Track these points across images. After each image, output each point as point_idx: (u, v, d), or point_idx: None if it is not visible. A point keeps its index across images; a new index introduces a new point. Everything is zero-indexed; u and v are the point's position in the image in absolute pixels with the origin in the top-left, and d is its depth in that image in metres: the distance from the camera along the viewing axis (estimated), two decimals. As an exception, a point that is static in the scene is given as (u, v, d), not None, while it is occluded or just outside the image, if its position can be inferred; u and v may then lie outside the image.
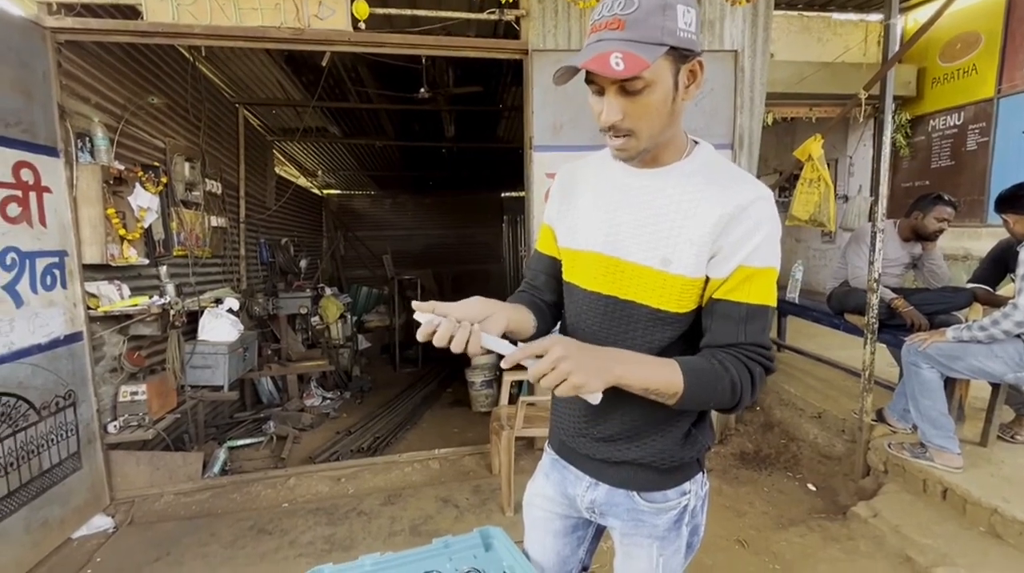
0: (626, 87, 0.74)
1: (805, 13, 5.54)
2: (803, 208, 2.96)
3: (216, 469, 3.01)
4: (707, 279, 0.82)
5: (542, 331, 1.01)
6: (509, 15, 2.84)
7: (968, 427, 2.60)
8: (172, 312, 2.97)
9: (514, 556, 1.04)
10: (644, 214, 0.85)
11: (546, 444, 1.11)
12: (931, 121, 5.50)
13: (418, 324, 0.79)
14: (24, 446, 2.16)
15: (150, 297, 2.89)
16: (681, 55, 0.75)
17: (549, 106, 2.86)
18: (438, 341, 0.76)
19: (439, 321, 0.77)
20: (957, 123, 5.23)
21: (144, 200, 2.90)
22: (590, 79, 0.77)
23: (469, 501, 2.68)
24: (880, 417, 2.71)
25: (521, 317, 0.95)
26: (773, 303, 0.81)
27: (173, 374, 3.08)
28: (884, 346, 2.83)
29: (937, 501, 2.21)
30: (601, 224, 0.89)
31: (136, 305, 2.74)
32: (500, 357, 0.78)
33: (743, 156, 3.07)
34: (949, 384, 2.37)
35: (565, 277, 0.97)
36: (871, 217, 2.51)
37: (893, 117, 3.50)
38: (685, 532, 0.95)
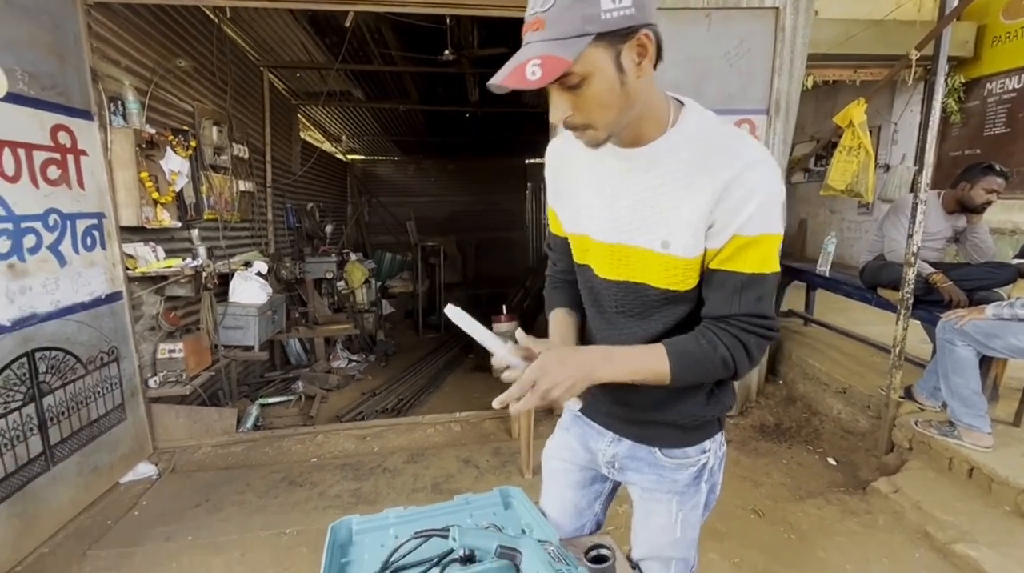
0: (564, 83, 0.70)
1: (856, -34, 5.14)
2: (840, 177, 2.83)
3: (249, 424, 3.16)
4: (705, 251, 0.80)
5: (582, 310, 1.04)
6: (537, -29, 2.72)
7: (1002, 406, 2.53)
8: (204, 274, 3.06)
9: (532, 515, 1.07)
10: (639, 196, 0.82)
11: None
12: (987, 84, 5.12)
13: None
14: (73, 397, 2.31)
15: (183, 259, 2.98)
16: (617, 37, 0.68)
17: (577, 68, 2.76)
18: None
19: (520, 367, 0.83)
20: (1016, 87, 4.85)
21: (175, 164, 2.96)
22: None
23: (489, 462, 2.76)
24: (908, 394, 2.65)
25: (575, 329, 1.01)
26: (772, 270, 0.79)
27: (207, 333, 3.21)
28: (918, 322, 2.74)
29: (962, 480, 2.18)
30: (602, 212, 0.88)
31: (171, 266, 2.84)
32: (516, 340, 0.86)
33: (779, 122, 2.93)
34: (985, 363, 2.30)
35: (576, 259, 0.97)
36: (913, 187, 2.38)
37: (946, 80, 3.27)
38: (704, 489, 0.98)
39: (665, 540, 0.99)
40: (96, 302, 2.45)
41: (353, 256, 6.21)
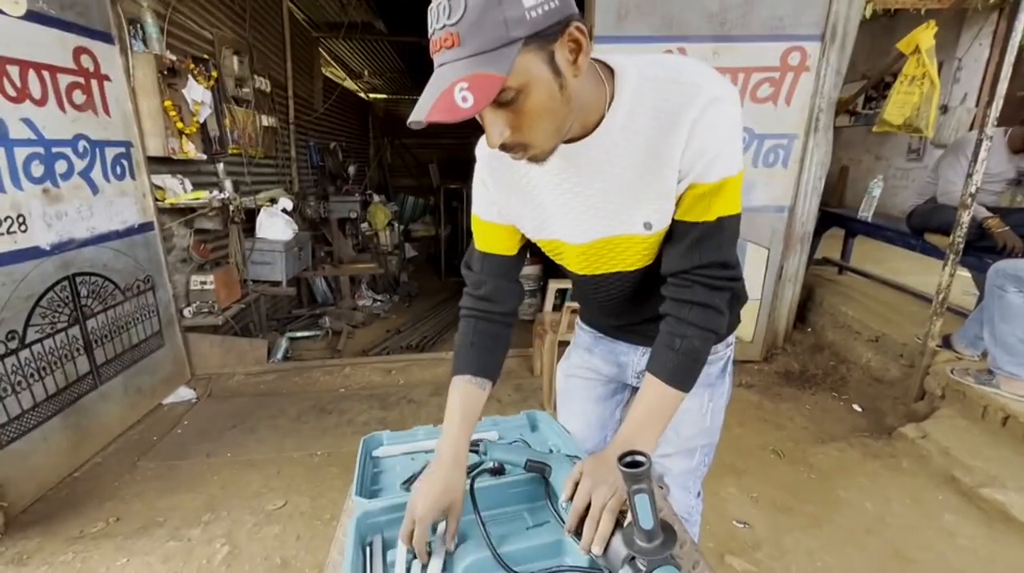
0: (498, 100, 0.60)
1: None
2: (898, 110, 2.61)
3: (279, 355, 3.27)
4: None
5: (495, 380, 0.95)
6: None
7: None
8: (231, 207, 3.08)
9: (559, 435, 1.08)
10: (604, 186, 0.75)
11: (579, 323, 1.13)
12: (1071, 13, 4.59)
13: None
14: (114, 322, 2.40)
15: (211, 192, 2.99)
16: (547, 36, 0.58)
17: (614, -12, 2.56)
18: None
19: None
20: (1105, 16, 4.34)
21: (198, 94, 2.90)
22: None
23: (511, 397, 2.82)
24: (946, 343, 2.56)
25: (476, 411, 0.93)
26: (736, 210, 0.74)
27: (236, 267, 3.27)
28: (964, 272, 2.61)
29: (995, 428, 2.13)
30: (565, 210, 0.80)
31: (199, 199, 2.85)
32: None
33: (833, 51, 2.70)
34: (1034, 312, 2.18)
35: (554, 258, 0.92)
36: (973, 126, 2.19)
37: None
38: (727, 378, 1.02)
39: (695, 431, 1.02)
40: (129, 231, 2.50)
41: (376, 198, 6.18)
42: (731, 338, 1.01)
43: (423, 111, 0.57)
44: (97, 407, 2.30)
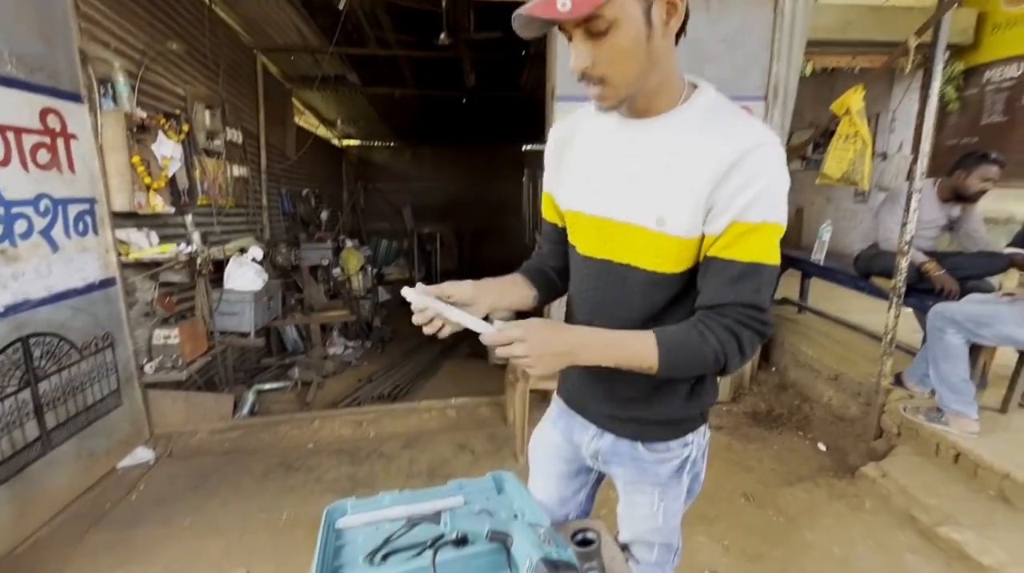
0: (590, 29, 0.68)
1: (858, -51, 5.07)
2: (836, 166, 2.83)
3: (246, 410, 3.18)
4: (703, 236, 0.77)
5: (544, 300, 1.03)
6: (534, -48, 2.67)
7: (990, 394, 2.56)
8: (199, 260, 3.05)
9: (524, 499, 1.09)
10: (636, 170, 0.80)
11: (554, 393, 1.15)
12: (986, 72, 5.10)
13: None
14: (69, 383, 2.31)
15: (177, 245, 2.96)
16: None
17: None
18: (417, 321, 0.83)
19: (424, 306, 0.82)
20: (1015, 75, 4.83)
21: (167, 148, 2.92)
22: (561, 28, 0.72)
23: (484, 447, 2.79)
24: (898, 381, 2.69)
25: (517, 293, 0.98)
26: (772, 261, 0.75)
27: (202, 320, 3.21)
28: (909, 311, 2.77)
29: (948, 465, 2.22)
30: (593, 183, 0.85)
31: (165, 252, 2.82)
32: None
33: (777, 109, 2.92)
34: (974, 351, 2.33)
35: (569, 239, 0.95)
36: (909, 175, 2.39)
37: (945, 67, 3.25)
38: (686, 479, 0.98)
39: (648, 527, 1.01)
40: (90, 288, 2.44)
41: (349, 242, 6.18)
42: (689, 437, 0.94)
43: (527, 7, 0.66)
44: (45, 475, 2.18)
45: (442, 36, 3.96)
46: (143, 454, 2.70)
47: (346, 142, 9.17)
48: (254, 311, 3.63)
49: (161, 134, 2.91)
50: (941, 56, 2.27)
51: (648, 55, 0.71)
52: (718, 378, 0.95)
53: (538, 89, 5.77)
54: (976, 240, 2.75)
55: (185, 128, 3.20)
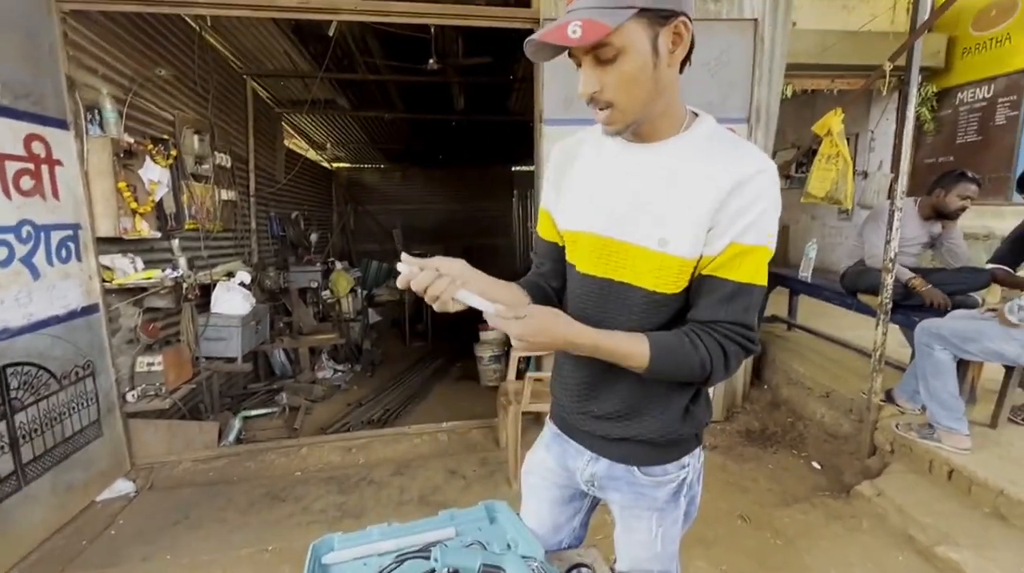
0: (599, 56, 0.73)
1: (831, -22, 5.29)
2: (820, 185, 2.88)
3: (231, 438, 3.10)
4: (701, 255, 0.80)
5: (537, 299, 1.02)
6: (520, -18, 2.75)
7: (979, 409, 2.58)
8: (185, 285, 3.01)
9: (517, 529, 1.06)
10: (640, 191, 0.82)
11: (547, 417, 1.13)
12: (959, 94, 5.29)
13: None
14: (47, 414, 2.24)
15: (163, 270, 2.92)
16: (658, 17, 0.71)
17: (560, 78, 2.79)
18: (416, 287, 0.79)
19: (418, 270, 0.79)
20: (987, 96, 5.02)
21: (154, 173, 2.91)
22: (571, 54, 0.76)
23: (476, 473, 2.74)
24: (889, 398, 2.69)
25: (509, 292, 0.95)
26: (762, 282, 0.80)
27: (187, 346, 3.15)
28: (896, 327, 2.79)
29: (942, 482, 2.21)
30: (595, 203, 0.87)
31: (150, 278, 2.78)
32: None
33: (759, 131, 2.98)
34: (962, 366, 2.34)
35: (567, 258, 0.96)
36: (890, 194, 2.44)
37: (919, 90, 3.36)
38: (683, 502, 0.97)
39: (646, 554, 0.99)
40: (71, 315, 2.39)
41: (339, 265, 6.15)
42: (685, 460, 0.94)
43: (540, 34, 0.71)
44: (20, 511, 2.09)
45: (431, 62, 4.02)
46: (123, 486, 2.62)
47: (336, 164, 9.21)
48: (241, 336, 3.57)
49: (148, 159, 2.90)
50: (915, 79, 2.34)
51: (654, 82, 0.75)
52: (710, 393, 0.96)
53: (526, 112, 5.86)
54: (958, 256, 2.80)
55: (173, 153, 3.19)
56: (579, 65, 0.77)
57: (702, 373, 0.79)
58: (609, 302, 0.87)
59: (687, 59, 0.79)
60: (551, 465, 1.06)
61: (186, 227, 3.39)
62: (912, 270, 2.75)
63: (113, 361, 2.66)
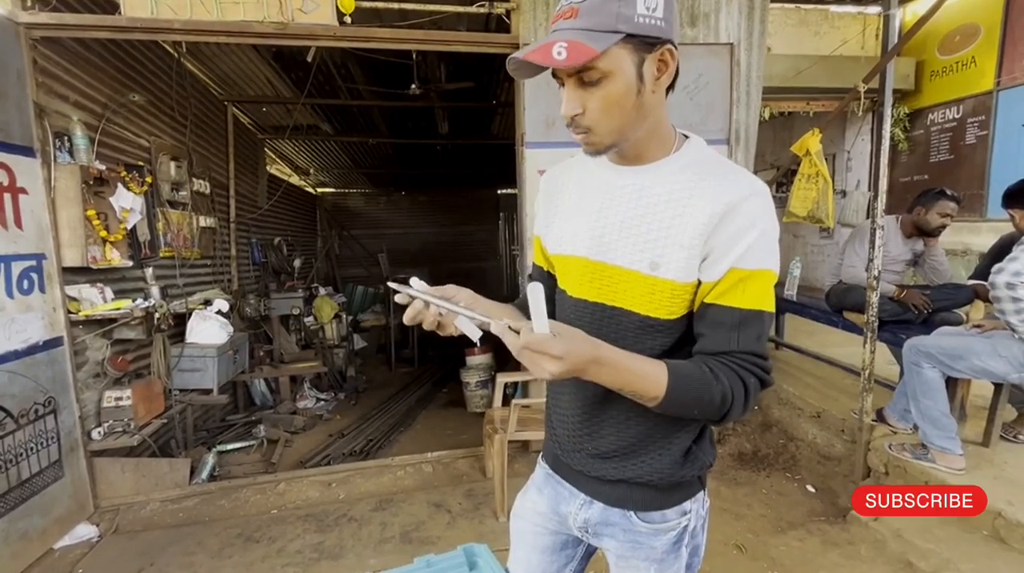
0: (583, 78, 0.71)
1: (802, 6, 5.47)
2: (801, 204, 2.90)
3: (204, 475, 2.94)
4: (699, 283, 0.76)
5: None
6: (499, 8, 2.77)
7: (970, 426, 2.56)
8: (157, 315, 2.90)
9: (499, 577, 0.98)
10: (630, 214, 0.79)
11: (539, 457, 1.06)
12: (929, 115, 5.44)
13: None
14: (1, 456, 2.10)
15: (134, 300, 2.82)
16: (644, 43, 0.70)
17: (541, 102, 2.80)
18: (408, 320, 0.77)
19: (423, 306, 0.77)
20: (956, 116, 5.17)
21: (127, 201, 2.83)
22: (554, 73, 0.74)
23: (462, 506, 2.62)
24: (880, 417, 2.66)
25: (512, 316, 0.92)
26: (770, 308, 0.75)
27: (159, 378, 3.02)
28: (884, 344, 2.78)
29: (939, 504, 2.16)
30: (585, 226, 0.84)
31: (119, 308, 2.67)
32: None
33: (739, 151, 3.01)
34: (950, 384, 2.32)
35: (558, 284, 0.92)
36: (869, 213, 2.45)
37: (891, 111, 3.44)
38: (685, 553, 0.89)
39: None
40: (32, 350, 2.27)
41: (322, 290, 6.05)
42: (687, 505, 0.87)
43: (523, 52, 0.69)
44: (-34, 564, 1.94)
45: (413, 87, 4.03)
46: (85, 531, 2.45)
47: (320, 189, 9.18)
48: (217, 366, 3.44)
49: (121, 186, 2.82)
50: (889, 100, 2.38)
51: (637, 108, 0.73)
52: (714, 432, 0.90)
53: (510, 135, 5.91)
54: (941, 273, 2.82)
55: (148, 180, 3.12)
56: (562, 84, 0.75)
57: (721, 407, 0.73)
58: (603, 328, 0.82)
59: (672, 85, 0.77)
60: (542, 509, 0.98)
61: (161, 255, 3.30)
62: (896, 287, 2.75)
63: (78, 397, 2.53)
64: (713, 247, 0.73)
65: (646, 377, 0.71)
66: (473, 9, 2.76)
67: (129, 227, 2.87)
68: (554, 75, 0.75)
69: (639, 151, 0.80)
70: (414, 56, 3.69)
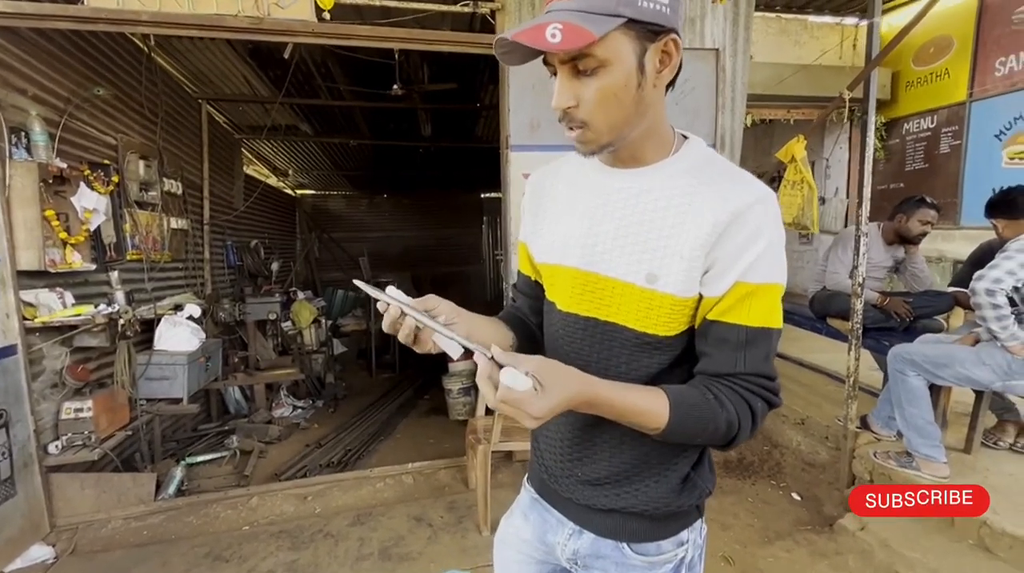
0: (578, 67, 0.64)
1: (783, 15, 5.55)
2: (786, 211, 2.90)
3: (171, 489, 2.80)
4: (700, 297, 0.70)
5: (521, 349, 0.90)
6: (484, 8, 2.72)
7: (951, 433, 2.57)
8: (122, 321, 2.75)
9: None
10: (626, 221, 0.73)
11: (525, 479, 0.99)
12: (905, 124, 5.56)
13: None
14: (-56, 474, 1.95)
15: (96, 305, 2.67)
16: (647, 31, 0.63)
17: (526, 104, 2.74)
18: (387, 328, 0.70)
19: (398, 313, 0.69)
20: (930, 126, 5.29)
21: (90, 201, 2.69)
22: (546, 60, 0.67)
23: (444, 519, 2.54)
24: (864, 424, 2.66)
25: (492, 330, 0.85)
26: (778, 325, 0.69)
27: (123, 387, 2.86)
28: (866, 351, 2.78)
29: (925, 512, 2.15)
30: (576, 234, 0.77)
31: (80, 314, 2.53)
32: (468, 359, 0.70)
33: (725, 157, 3.00)
34: (933, 391, 2.33)
35: (547, 296, 0.86)
36: (849, 220, 2.46)
37: (855, 120, 3.49)
38: None
39: None
40: (-19, 359, 2.12)
41: (301, 294, 5.90)
42: (684, 535, 0.81)
43: (513, 32, 0.61)
44: (-99, 593, 1.78)
45: (395, 87, 3.95)
46: (39, 553, 2.30)
47: (300, 191, 8.99)
48: (188, 374, 3.29)
49: (84, 186, 2.68)
50: (873, 108, 2.39)
51: (636, 103, 0.67)
52: (712, 456, 0.84)
53: (494, 138, 5.85)
54: (922, 280, 2.84)
55: (115, 179, 2.98)
56: (553, 74, 0.68)
57: (727, 435, 0.68)
58: (596, 344, 0.76)
59: (672, 82, 0.71)
60: (527, 536, 0.91)
61: (128, 258, 3.15)
62: (879, 294, 2.77)
63: (33, 409, 2.37)
64: (717, 259, 0.67)
65: (645, 412, 0.66)
66: (457, 8, 2.70)
67: (92, 228, 2.73)
68: (545, 62, 0.68)
69: (636, 152, 0.73)
70: (396, 55, 3.61)
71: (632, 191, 0.73)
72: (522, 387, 0.59)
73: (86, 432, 2.55)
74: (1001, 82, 4.61)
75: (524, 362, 0.61)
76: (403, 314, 0.69)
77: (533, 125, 2.77)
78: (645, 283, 0.71)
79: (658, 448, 0.75)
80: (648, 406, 0.66)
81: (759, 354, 0.68)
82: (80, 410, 2.55)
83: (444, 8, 2.70)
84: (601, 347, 0.76)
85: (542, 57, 0.66)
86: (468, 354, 0.68)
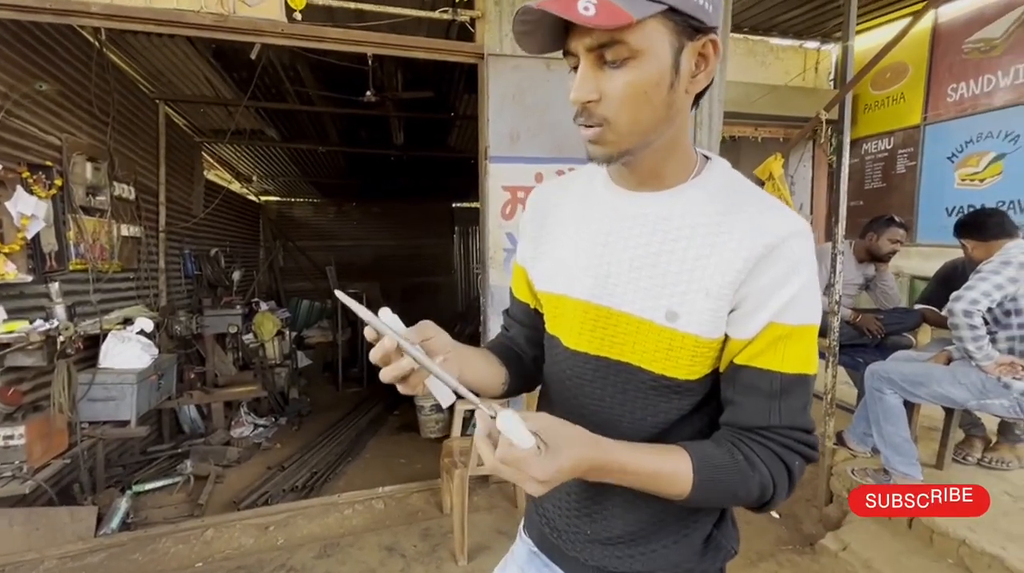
0: (606, 56, 0.56)
1: (750, 36, 5.72)
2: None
3: (115, 523, 2.56)
4: (726, 337, 0.63)
5: (514, 387, 0.81)
6: (463, 16, 2.64)
7: (921, 448, 2.60)
8: (62, 338, 2.51)
9: None
10: (643, 251, 0.65)
11: (520, 527, 0.89)
12: (864, 144, 5.80)
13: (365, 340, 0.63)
14: None
15: (32, 321, 2.43)
16: (688, 26, 0.56)
17: (506, 114, 2.68)
18: (377, 361, 0.59)
19: (392, 345, 0.58)
20: (888, 147, 5.53)
21: (27, 206, 2.45)
22: (567, 50, 0.59)
23: (417, 549, 2.40)
24: (840, 441, 2.68)
25: (483, 368, 0.76)
26: (814, 370, 0.63)
27: (61, 411, 2.61)
28: (840, 367, 2.82)
29: (903, 531, 2.16)
30: (585, 262, 0.69)
31: (12, 331, 2.29)
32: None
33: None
34: (906, 408, 2.36)
35: (547, 328, 0.77)
36: (827, 238, 2.49)
37: (829, 140, 3.60)
38: None
39: None
40: None
41: (264, 305, 5.63)
42: None
43: (538, 1, 0.53)
44: None
45: (368, 94, 3.82)
46: (-45, 602, 2.04)
47: (264, 198, 8.66)
48: (137, 394, 3.04)
49: (21, 189, 2.45)
50: (847, 128, 2.45)
51: (666, 106, 0.58)
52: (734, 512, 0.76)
53: (467, 148, 5.77)
54: (891, 297, 2.91)
55: (58, 182, 2.74)
56: (574, 68, 0.59)
57: (760, 499, 0.61)
58: (608, 386, 0.68)
59: (702, 92, 0.63)
60: None
61: (71, 267, 2.90)
62: (852, 311, 2.81)
63: (-47, 438, 2.12)
64: (746, 296, 0.60)
65: (664, 478, 0.58)
66: (436, 15, 2.61)
67: (30, 236, 2.49)
68: (566, 53, 0.59)
69: (657, 168, 0.65)
70: (370, 61, 3.49)
71: (650, 217, 0.66)
72: (526, 445, 0.51)
73: (16, 462, 2.30)
74: (953, 107, 4.86)
75: (527, 419, 0.53)
76: (399, 350, 0.59)
77: (513, 136, 2.70)
78: (664, 321, 0.63)
79: (678, 506, 0.67)
80: (670, 470, 0.59)
81: (795, 404, 0.61)
82: (10, 437, 2.30)
83: (422, 14, 2.61)
84: (614, 390, 0.68)
85: (563, 51, 0.59)
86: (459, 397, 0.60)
